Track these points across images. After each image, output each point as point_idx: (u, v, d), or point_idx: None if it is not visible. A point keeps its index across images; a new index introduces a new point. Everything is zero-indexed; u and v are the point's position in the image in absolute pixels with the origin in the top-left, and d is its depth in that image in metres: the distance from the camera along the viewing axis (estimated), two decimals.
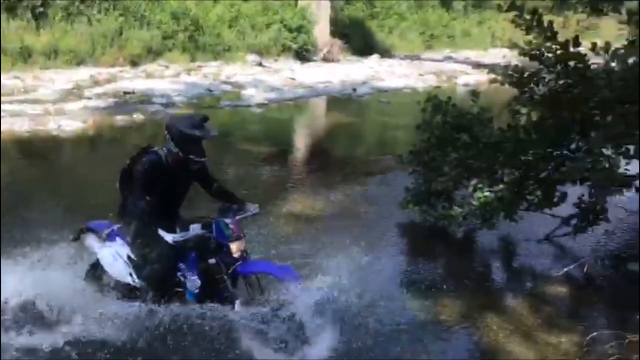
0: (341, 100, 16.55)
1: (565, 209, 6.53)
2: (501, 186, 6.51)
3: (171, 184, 4.39)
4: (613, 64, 5.65)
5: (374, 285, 5.15)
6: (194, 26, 18.51)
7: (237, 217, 4.43)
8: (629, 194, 6.25)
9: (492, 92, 9.19)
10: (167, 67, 17.07)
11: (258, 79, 17.24)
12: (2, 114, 10.92)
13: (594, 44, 5.57)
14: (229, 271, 4.33)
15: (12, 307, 4.40)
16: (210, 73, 17.30)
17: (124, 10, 17.27)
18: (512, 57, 12.43)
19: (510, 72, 6.13)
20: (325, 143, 12.60)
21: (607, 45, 5.58)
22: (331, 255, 5.16)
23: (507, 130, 6.28)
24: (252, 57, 19.33)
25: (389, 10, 26.26)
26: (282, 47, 20.61)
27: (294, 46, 20.77)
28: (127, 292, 4.54)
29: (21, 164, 9.37)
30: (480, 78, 18.27)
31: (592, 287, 5.88)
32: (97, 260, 4.67)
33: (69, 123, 11.21)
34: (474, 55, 25.78)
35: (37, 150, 10.12)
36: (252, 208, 4.59)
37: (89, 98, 13.41)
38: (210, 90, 15.54)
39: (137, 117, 12.24)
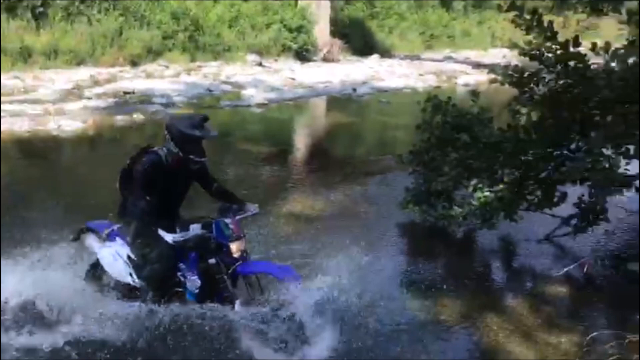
0: (341, 100, 16.54)
1: (565, 209, 6.53)
2: (501, 186, 6.51)
3: (171, 184, 4.39)
4: (613, 64, 5.65)
5: (374, 285, 5.15)
6: (194, 26, 18.52)
7: (237, 217, 4.43)
8: (629, 194, 6.25)
9: (492, 92, 9.18)
10: (167, 67, 17.08)
11: (258, 79, 17.24)
12: (2, 114, 10.92)
13: (594, 44, 5.57)
14: (229, 271, 4.33)
15: (12, 307, 4.40)
16: (210, 73, 17.31)
17: (124, 10, 17.28)
18: (512, 57, 12.46)
19: (510, 72, 6.12)
20: (325, 143, 12.60)
21: (607, 45, 5.57)
22: (331, 255, 5.16)
23: (507, 130, 6.28)
24: (252, 57, 19.34)
25: (389, 10, 26.28)
26: (282, 47, 20.62)
27: (294, 46, 20.78)
28: (127, 292, 4.54)
29: (21, 164, 9.36)
30: (480, 78, 18.28)
31: (592, 287, 5.88)
32: (97, 260, 4.67)
33: (69, 123, 11.21)
34: (474, 55, 25.81)
35: (37, 150, 10.11)
36: (252, 208, 4.59)
37: (89, 98, 13.42)
38: (210, 90, 15.54)
39: (137, 117, 12.23)
